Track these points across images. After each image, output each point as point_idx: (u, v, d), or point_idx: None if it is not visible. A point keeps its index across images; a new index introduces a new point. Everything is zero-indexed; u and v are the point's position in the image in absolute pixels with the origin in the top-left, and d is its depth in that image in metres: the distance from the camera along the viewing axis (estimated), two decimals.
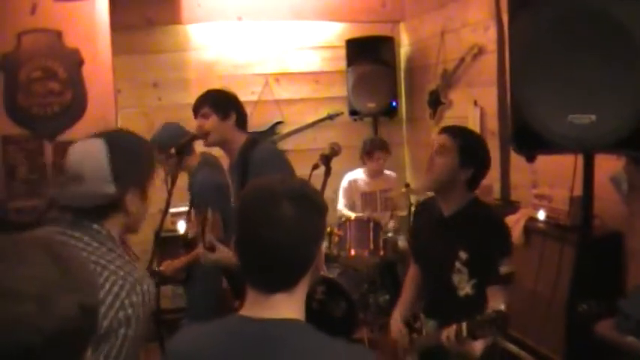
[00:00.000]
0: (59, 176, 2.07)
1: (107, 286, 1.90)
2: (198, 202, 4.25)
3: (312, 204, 1.65)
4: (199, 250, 3.49)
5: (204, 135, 3.62)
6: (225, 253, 3.43)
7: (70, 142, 4.54)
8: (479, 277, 2.95)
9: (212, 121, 3.58)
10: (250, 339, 1.59)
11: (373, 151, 5.96)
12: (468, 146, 3.00)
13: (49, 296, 1.08)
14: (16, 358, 1.03)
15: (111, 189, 2.01)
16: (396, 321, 3.35)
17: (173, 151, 4.10)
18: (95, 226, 2.02)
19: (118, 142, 2.08)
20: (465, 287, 2.98)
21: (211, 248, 3.42)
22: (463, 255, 2.95)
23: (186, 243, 4.38)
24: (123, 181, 2.03)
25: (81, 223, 2.02)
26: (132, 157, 2.11)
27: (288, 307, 1.63)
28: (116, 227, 2.09)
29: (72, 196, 2.03)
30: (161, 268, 4.27)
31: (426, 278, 3.31)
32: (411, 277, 3.46)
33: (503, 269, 2.90)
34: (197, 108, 3.65)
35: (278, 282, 1.62)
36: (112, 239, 2.04)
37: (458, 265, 2.97)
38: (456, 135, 3.05)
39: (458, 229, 3.01)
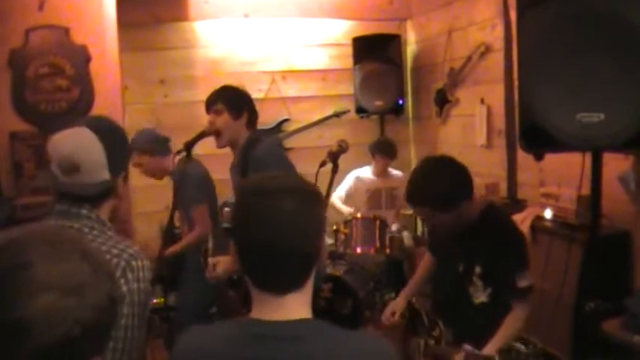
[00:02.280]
0: (50, 168, 2.09)
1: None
2: (182, 198, 4.31)
3: (309, 197, 1.63)
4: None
5: (214, 131, 3.62)
6: (226, 265, 3.50)
7: None
8: (494, 287, 2.95)
9: (224, 119, 3.58)
10: (263, 340, 1.56)
11: (374, 153, 5.99)
12: (443, 201, 2.92)
13: (85, 290, 1.15)
14: (60, 348, 1.10)
15: (107, 175, 2.10)
16: (394, 305, 3.37)
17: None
18: (84, 211, 2.07)
19: (104, 130, 2.14)
20: (481, 296, 2.99)
21: (213, 266, 3.51)
22: (478, 269, 2.96)
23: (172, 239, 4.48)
24: (115, 167, 2.12)
25: (70, 212, 2.07)
26: (119, 143, 2.20)
27: (299, 306, 1.62)
28: (106, 210, 2.17)
29: (71, 186, 2.07)
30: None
31: (441, 276, 3.31)
32: (425, 262, 3.48)
33: (521, 283, 2.90)
34: (210, 103, 3.64)
35: (287, 282, 1.59)
36: (102, 222, 2.11)
37: (473, 278, 2.98)
38: (424, 203, 3.01)
39: (472, 242, 3.01)
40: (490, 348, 2.78)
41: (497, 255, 2.92)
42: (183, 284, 4.58)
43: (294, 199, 1.58)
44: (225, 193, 5.93)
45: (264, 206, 1.57)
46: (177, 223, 4.93)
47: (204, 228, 4.44)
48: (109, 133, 2.16)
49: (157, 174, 4.71)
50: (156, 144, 4.60)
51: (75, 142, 2.09)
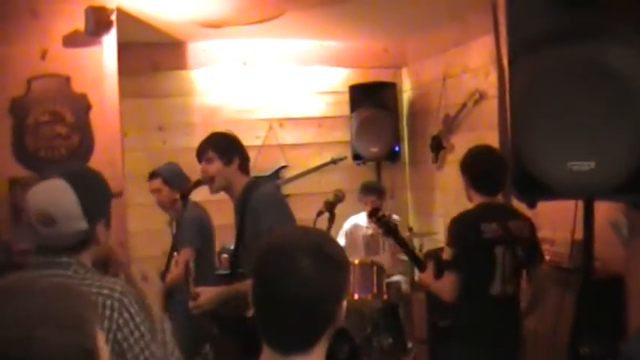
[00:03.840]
0: (24, 221, 2.14)
1: (99, 310, 2.03)
2: (178, 240, 4.36)
3: (331, 259, 1.58)
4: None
5: (208, 180, 3.66)
6: (209, 293, 3.51)
7: None
8: None
9: (216, 166, 3.62)
10: None
11: (363, 196, 6.01)
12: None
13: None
14: None
15: (83, 225, 2.13)
16: None
17: (178, 196, 4.36)
18: (64, 259, 2.12)
19: (78, 179, 2.18)
20: None
21: (196, 296, 3.50)
22: None
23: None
24: (92, 215, 2.16)
25: (52, 261, 2.12)
26: (95, 191, 2.24)
27: None
28: (88, 257, 2.21)
29: (46, 238, 2.12)
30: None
31: None
32: None
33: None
34: (201, 152, 3.69)
35: (295, 342, 1.56)
36: (83, 266, 2.16)
37: None
38: None
39: None
40: None
41: None
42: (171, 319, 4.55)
43: (316, 258, 1.55)
44: (223, 240, 5.98)
45: (282, 261, 1.56)
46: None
47: (176, 273, 4.42)
48: (83, 182, 2.20)
49: (166, 207, 4.86)
50: (179, 179, 4.77)
51: (48, 195, 2.13)
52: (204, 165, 3.66)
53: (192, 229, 4.59)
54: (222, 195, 3.80)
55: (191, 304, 3.54)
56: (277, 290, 1.53)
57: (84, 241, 2.17)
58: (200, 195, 4.30)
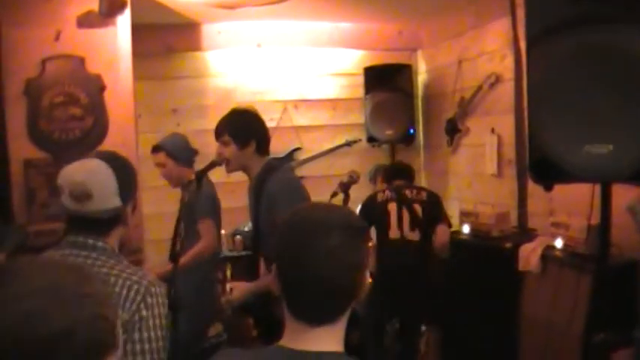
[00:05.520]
0: (60, 198, 2.16)
1: (124, 292, 2.05)
2: (191, 211, 4.30)
3: (358, 233, 1.63)
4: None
5: (223, 161, 3.65)
6: (242, 289, 3.51)
7: None
8: None
9: (231, 150, 3.59)
10: None
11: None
12: None
13: (65, 298, 1.16)
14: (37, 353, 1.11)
15: (118, 202, 2.18)
16: None
17: (185, 171, 4.48)
18: (100, 244, 2.16)
19: (114, 160, 2.24)
20: None
21: (230, 291, 3.51)
22: None
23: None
24: (125, 195, 2.21)
25: (86, 243, 2.14)
26: (128, 172, 2.29)
27: (331, 339, 1.62)
28: (115, 239, 2.25)
29: (84, 212, 2.14)
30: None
31: None
32: None
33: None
34: (218, 134, 3.67)
35: (324, 315, 1.60)
36: (115, 253, 2.21)
37: None
38: None
39: None
40: None
41: None
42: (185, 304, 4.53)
43: (339, 233, 1.57)
44: (237, 221, 5.99)
45: (308, 240, 1.57)
46: None
47: (210, 241, 4.44)
48: (119, 163, 2.25)
49: (174, 181, 4.72)
50: (184, 152, 4.67)
51: (87, 170, 2.17)
52: (219, 147, 3.65)
53: (209, 203, 4.53)
54: (234, 178, 3.79)
55: (223, 299, 3.55)
56: (309, 267, 1.55)
57: (114, 219, 2.20)
58: (211, 176, 4.30)
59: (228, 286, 3.60)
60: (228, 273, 4.09)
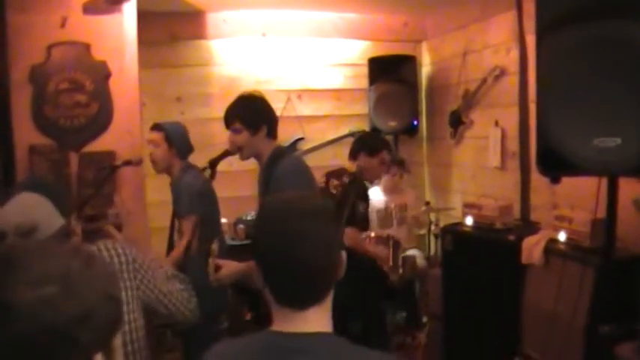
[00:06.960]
0: (6, 241, 2.18)
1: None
2: (180, 208, 4.30)
3: (331, 216, 1.70)
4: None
5: (237, 150, 3.65)
6: (231, 268, 3.47)
7: (95, 154, 4.61)
8: None
9: (243, 137, 3.59)
10: (285, 352, 1.59)
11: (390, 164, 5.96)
12: None
13: (72, 282, 1.20)
14: (46, 336, 1.13)
15: (61, 220, 2.27)
16: None
17: (174, 159, 4.40)
18: None
19: (40, 188, 2.31)
20: None
21: (217, 268, 3.46)
22: None
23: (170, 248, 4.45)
24: (63, 210, 2.30)
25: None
26: (58, 191, 2.39)
27: (319, 320, 1.66)
28: None
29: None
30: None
31: None
32: None
33: None
34: (228, 122, 3.66)
35: (311, 298, 1.64)
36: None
37: None
38: None
39: None
40: None
41: None
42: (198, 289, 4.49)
43: (316, 217, 1.64)
44: (239, 210, 5.99)
45: (282, 224, 1.62)
46: None
47: (190, 238, 4.39)
48: (44, 186, 2.34)
49: (159, 165, 4.50)
50: (181, 142, 4.49)
51: (21, 207, 2.21)
52: (231, 135, 3.64)
53: (192, 199, 4.32)
54: (235, 167, 3.78)
55: (211, 277, 3.50)
56: (292, 255, 1.59)
57: (67, 235, 2.28)
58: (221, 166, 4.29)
59: (211, 262, 3.49)
60: (215, 247, 3.96)
